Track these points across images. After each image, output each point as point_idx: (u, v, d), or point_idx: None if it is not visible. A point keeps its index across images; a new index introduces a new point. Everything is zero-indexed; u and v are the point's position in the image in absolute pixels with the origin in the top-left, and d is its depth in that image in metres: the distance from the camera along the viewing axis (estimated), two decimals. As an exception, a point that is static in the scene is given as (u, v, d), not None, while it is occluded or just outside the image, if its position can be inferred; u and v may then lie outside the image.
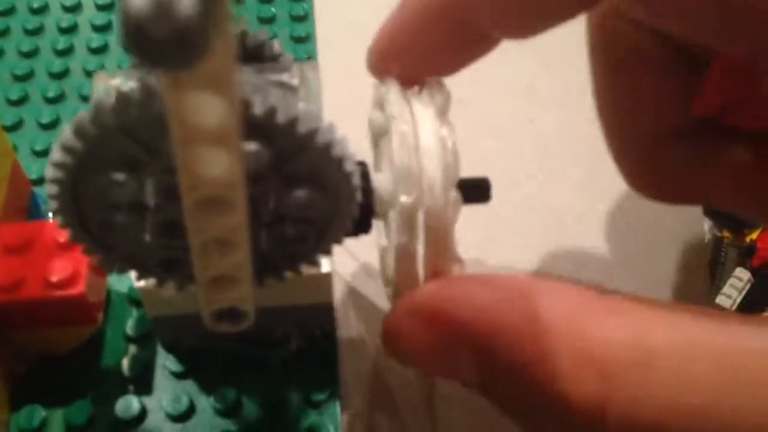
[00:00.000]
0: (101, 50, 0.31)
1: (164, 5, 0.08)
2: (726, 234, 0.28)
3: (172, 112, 0.12)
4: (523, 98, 0.31)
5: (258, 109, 0.15)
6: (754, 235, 0.28)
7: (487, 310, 0.13)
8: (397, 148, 0.17)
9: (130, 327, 0.23)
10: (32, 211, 0.24)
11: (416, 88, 0.19)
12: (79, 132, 0.15)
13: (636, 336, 0.11)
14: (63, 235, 0.21)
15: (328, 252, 0.18)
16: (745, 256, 0.27)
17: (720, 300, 0.25)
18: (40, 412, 0.21)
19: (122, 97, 0.14)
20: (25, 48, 0.31)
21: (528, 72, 0.31)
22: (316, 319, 0.22)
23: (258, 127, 0.15)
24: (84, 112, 0.14)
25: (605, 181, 0.28)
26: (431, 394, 0.23)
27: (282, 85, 0.18)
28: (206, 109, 0.12)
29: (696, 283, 0.26)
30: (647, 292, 0.26)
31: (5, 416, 0.21)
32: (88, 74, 0.30)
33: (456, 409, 0.22)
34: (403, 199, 0.17)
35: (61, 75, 0.30)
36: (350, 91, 0.25)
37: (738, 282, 0.27)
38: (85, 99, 0.29)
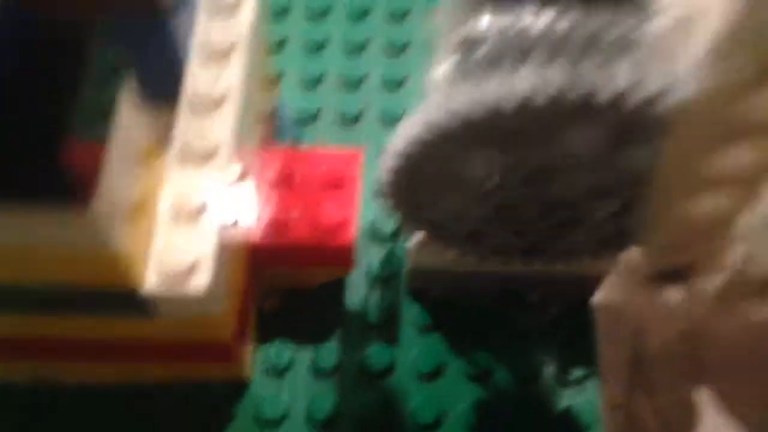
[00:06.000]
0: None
1: None
2: None
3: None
4: None
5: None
6: None
7: None
8: None
9: (374, 266, 0.21)
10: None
11: None
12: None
13: None
14: (326, 169, 0.19)
15: None
16: None
17: None
18: (288, 351, 0.20)
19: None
20: None
21: None
22: (582, 288, 0.20)
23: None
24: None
25: None
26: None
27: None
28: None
29: None
30: None
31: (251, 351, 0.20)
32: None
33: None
34: None
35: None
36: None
37: None
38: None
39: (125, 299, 0.15)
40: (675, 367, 0.20)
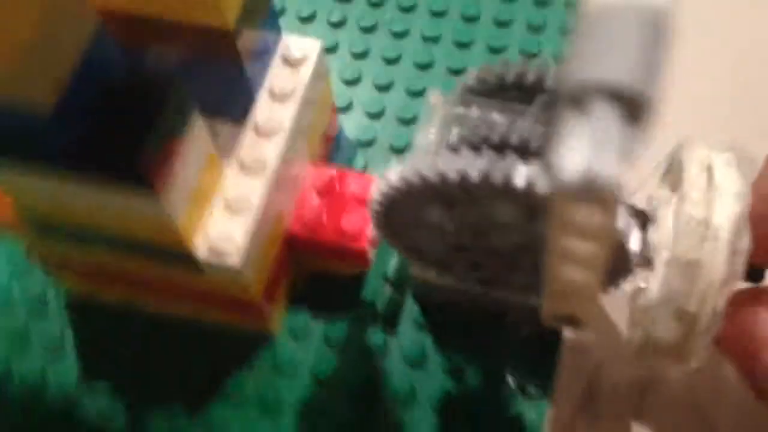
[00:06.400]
0: None
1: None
2: None
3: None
4: None
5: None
6: None
7: None
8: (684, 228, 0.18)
9: (390, 269, 0.26)
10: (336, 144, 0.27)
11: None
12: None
13: None
14: (357, 188, 0.24)
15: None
16: None
17: None
18: (308, 320, 0.25)
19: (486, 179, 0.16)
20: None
21: None
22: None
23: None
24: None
25: None
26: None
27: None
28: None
29: None
30: None
31: (282, 314, 0.25)
32: None
33: None
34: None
35: None
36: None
37: None
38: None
39: (184, 257, 0.21)
40: (622, 403, 0.24)
